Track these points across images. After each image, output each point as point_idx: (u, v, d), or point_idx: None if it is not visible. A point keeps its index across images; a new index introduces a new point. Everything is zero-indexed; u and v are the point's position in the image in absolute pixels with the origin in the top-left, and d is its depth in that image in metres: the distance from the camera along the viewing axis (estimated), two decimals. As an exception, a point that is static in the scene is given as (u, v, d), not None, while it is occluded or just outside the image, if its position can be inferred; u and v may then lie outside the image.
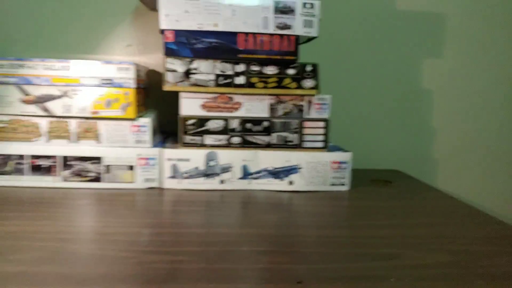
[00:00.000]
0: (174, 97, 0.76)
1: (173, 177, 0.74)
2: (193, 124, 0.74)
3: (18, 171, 0.73)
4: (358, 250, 0.51)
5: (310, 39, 0.77)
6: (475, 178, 1.07)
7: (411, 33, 1.00)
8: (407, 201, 0.73)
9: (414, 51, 1.00)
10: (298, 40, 0.73)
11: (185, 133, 0.74)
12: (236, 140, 0.75)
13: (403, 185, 0.84)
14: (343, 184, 0.77)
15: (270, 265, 0.46)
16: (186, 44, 0.72)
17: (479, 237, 0.57)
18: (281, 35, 0.73)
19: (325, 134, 0.76)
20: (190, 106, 0.74)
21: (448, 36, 1.01)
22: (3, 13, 0.90)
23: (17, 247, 0.48)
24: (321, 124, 0.76)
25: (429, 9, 0.99)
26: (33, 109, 0.73)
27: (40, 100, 0.72)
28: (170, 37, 0.72)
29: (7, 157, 0.73)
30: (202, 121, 0.74)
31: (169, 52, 0.72)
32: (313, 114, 0.76)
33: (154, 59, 0.95)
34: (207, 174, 0.74)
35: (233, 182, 0.75)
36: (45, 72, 0.72)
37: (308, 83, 0.74)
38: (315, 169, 0.75)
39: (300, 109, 0.75)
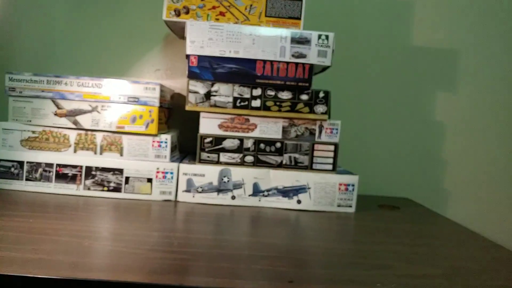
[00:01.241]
0: (195, 119, 0.81)
1: (187, 191, 0.78)
2: (210, 142, 0.79)
3: (46, 178, 0.79)
4: (352, 260, 0.53)
5: (324, 68, 0.82)
6: (485, 210, 1.06)
7: (425, 68, 1.03)
8: (411, 225, 0.74)
9: (427, 85, 1.04)
10: (312, 68, 0.78)
11: (202, 150, 0.79)
12: (249, 159, 0.79)
13: (411, 211, 0.86)
14: (349, 206, 0.79)
15: (268, 267, 0.49)
16: (208, 69, 0.78)
17: (473, 257, 0.59)
18: (296, 63, 0.78)
19: (334, 157, 0.79)
20: (208, 125, 0.79)
21: (461, 72, 1.04)
22: (45, 34, 0.99)
23: (38, 239, 0.53)
24: (331, 147, 0.79)
25: (443, 46, 1.03)
26: (64, 121, 0.79)
27: (71, 114, 0.79)
28: (194, 62, 0.78)
29: (37, 165, 0.79)
30: (218, 139, 0.79)
31: (192, 75, 0.78)
32: (324, 138, 0.79)
33: (180, 83, 1.01)
34: (220, 189, 0.78)
35: (244, 198, 0.78)
36: (78, 88, 0.78)
37: (320, 108, 0.78)
38: (323, 189, 0.78)
39: (311, 133, 0.79)
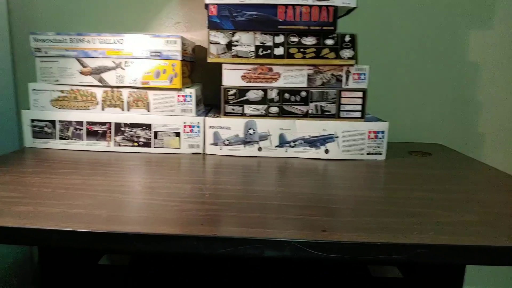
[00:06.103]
0: (218, 71, 0.80)
1: (214, 143, 0.78)
2: (234, 95, 0.78)
3: (78, 136, 0.81)
4: (385, 208, 0.53)
5: (349, 10, 0.78)
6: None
7: (457, 3, 0.97)
8: (444, 170, 0.72)
9: (460, 23, 0.97)
10: (336, 11, 0.74)
11: (226, 103, 0.78)
12: (274, 109, 0.78)
13: (444, 157, 0.84)
14: (379, 154, 0.78)
15: (298, 216, 0.49)
16: (229, 17, 0.75)
17: (513, 203, 0.57)
18: (320, 6, 0.74)
19: (363, 104, 0.77)
20: (231, 77, 0.77)
21: (497, 7, 0.97)
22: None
23: (74, 195, 0.55)
24: (359, 94, 0.77)
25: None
26: (90, 79, 0.79)
27: (96, 72, 0.79)
28: (214, 11, 0.76)
29: (68, 124, 0.80)
30: (242, 91, 0.78)
31: (213, 25, 0.76)
32: (351, 84, 0.77)
33: (201, 36, 0.99)
34: (246, 141, 0.78)
35: (270, 149, 0.78)
36: (101, 45, 0.78)
37: (347, 53, 0.75)
38: (352, 138, 0.77)
39: (338, 79, 0.77)
